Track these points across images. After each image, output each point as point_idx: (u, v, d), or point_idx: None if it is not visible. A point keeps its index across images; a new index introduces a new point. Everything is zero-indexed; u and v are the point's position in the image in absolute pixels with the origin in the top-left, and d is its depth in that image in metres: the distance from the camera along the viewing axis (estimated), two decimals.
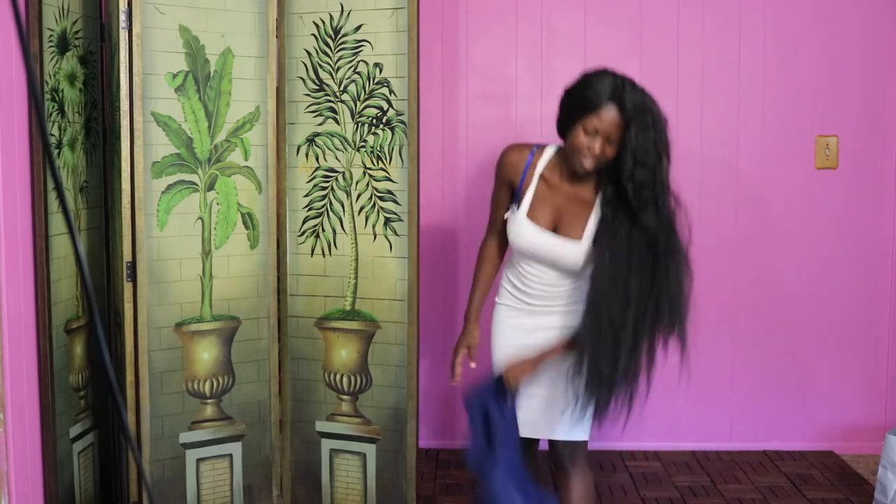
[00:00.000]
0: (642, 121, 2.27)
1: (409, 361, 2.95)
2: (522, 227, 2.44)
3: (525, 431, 2.51)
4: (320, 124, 2.99)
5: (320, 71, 2.98)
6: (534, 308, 2.51)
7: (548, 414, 2.52)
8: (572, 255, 2.40)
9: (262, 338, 3.03)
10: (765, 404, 3.85)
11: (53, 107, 2.66)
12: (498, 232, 2.60)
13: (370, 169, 2.96)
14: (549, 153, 2.50)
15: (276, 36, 2.98)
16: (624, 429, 2.44)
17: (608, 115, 2.29)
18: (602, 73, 2.34)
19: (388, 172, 2.94)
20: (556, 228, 2.43)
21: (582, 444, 2.55)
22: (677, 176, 2.40)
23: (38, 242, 2.58)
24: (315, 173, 3.01)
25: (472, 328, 2.64)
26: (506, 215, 2.52)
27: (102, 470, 3.01)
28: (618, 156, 2.32)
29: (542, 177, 2.46)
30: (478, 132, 3.78)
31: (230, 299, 2.98)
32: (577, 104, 2.34)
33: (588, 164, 2.34)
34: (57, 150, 2.68)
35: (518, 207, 2.46)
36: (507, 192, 2.53)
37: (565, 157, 2.42)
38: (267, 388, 3.05)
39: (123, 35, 2.76)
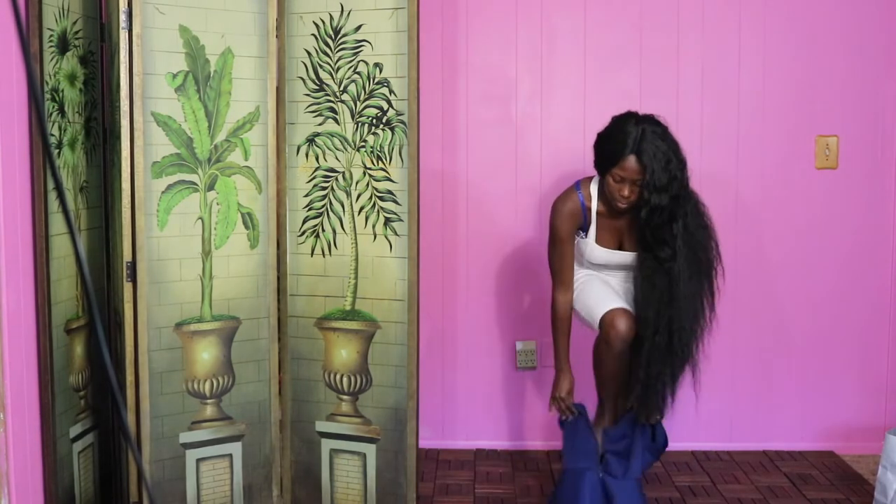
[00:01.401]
0: (658, 167, 2.68)
1: (409, 361, 2.95)
2: (594, 250, 2.96)
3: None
4: (320, 124, 2.99)
5: (320, 71, 2.98)
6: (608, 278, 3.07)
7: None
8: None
9: (262, 338, 3.04)
10: (765, 404, 3.85)
11: (53, 107, 2.66)
12: (567, 285, 2.97)
13: (370, 169, 2.96)
14: (594, 191, 2.92)
15: (276, 36, 2.98)
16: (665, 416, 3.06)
17: (630, 164, 2.70)
18: (625, 123, 2.75)
19: (388, 172, 2.94)
20: (620, 246, 2.94)
21: None
22: None
23: (38, 242, 2.58)
24: (315, 173, 3.01)
25: (568, 371, 3.02)
26: (577, 239, 2.97)
27: (102, 470, 3.01)
28: (639, 202, 2.75)
29: (598, 213, 2.92)
30: (478, 132, 3.78)
31: (230, 299, 2.98)
32: (605, 156, 2.78)
33: (621, 205, 2.80)
34: (57, 150, 2.68)
35: (586, 235, 2.95)
36: (572, 240, 2.95)
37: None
38: (267, 388, 3.05)
39: (123, 35, 2.76)
